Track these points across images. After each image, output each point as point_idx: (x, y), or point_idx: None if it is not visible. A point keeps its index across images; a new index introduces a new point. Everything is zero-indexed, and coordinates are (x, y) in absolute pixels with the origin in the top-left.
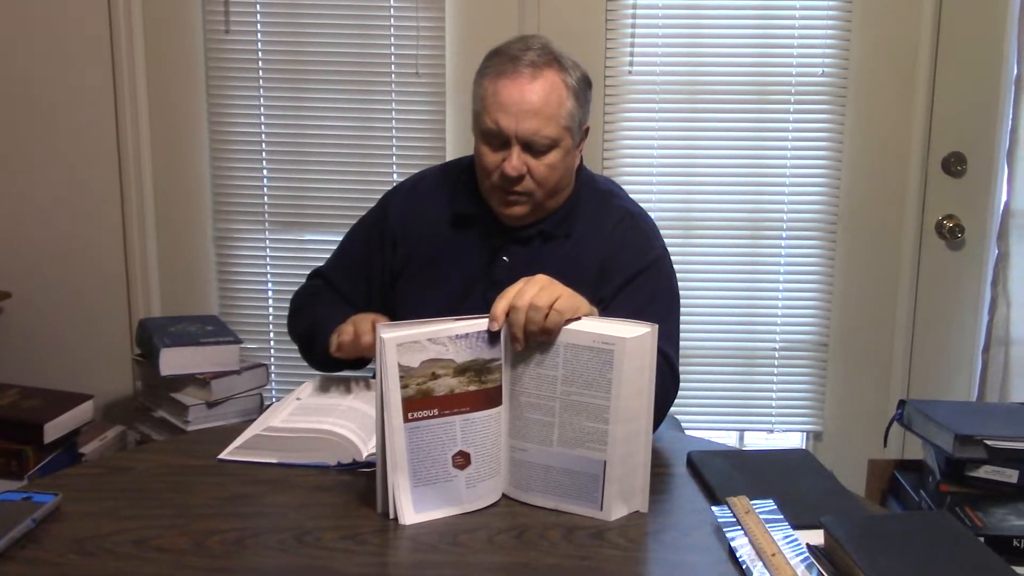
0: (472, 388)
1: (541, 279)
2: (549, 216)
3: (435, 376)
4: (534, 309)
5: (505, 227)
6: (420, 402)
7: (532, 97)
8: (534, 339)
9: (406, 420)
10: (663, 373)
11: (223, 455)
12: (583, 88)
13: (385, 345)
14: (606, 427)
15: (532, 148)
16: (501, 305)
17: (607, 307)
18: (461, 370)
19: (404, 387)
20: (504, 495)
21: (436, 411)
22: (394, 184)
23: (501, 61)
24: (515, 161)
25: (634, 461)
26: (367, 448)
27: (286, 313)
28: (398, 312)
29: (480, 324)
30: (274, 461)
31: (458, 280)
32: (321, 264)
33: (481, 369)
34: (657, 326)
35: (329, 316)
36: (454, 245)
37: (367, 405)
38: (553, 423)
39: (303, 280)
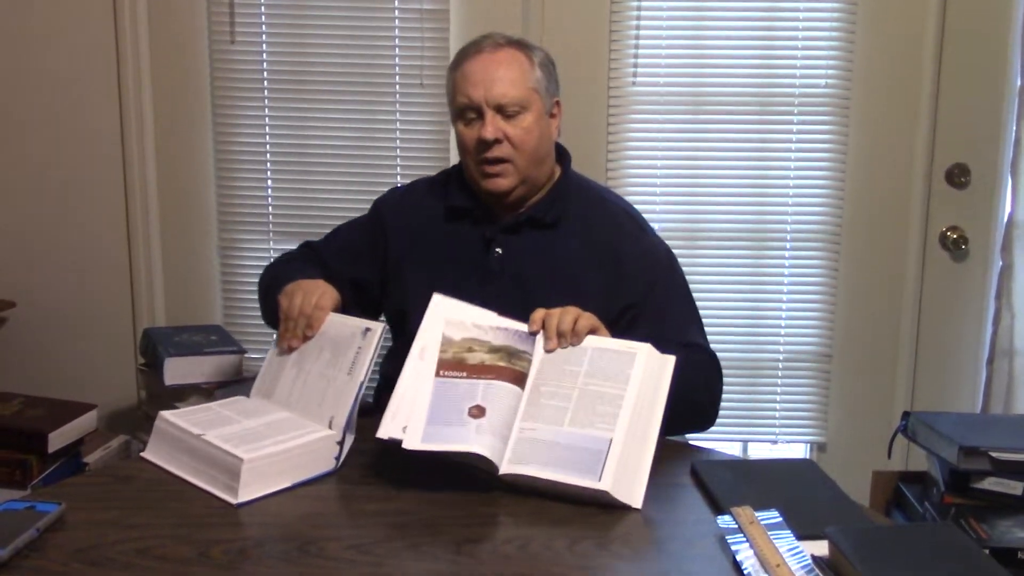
0: (501, 364)
1: (573, 309)
2: (536, 204)
3: (471, 350)
4: (566, 313)
5: (495, 218)
6: (453, 364)
7: (496, 67)
8: (564, 341)
9: (437, 375)
10: (708, 367)
11: (244, 499)
12: (546, 63)
13: (439, 307)
14: (618, 411)
15: (504, 112)
16: (540, 312)
17: (639, 311)
18: (495, 350)
19: (442, 352)
20: (502, 478)
21: (465, 374)
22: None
23: (462, 54)
24: (489, 125)
25: (639, 452)
26: (327, 428)
27: None
28: (403, 304)
29: (520, 326)
30: (288, 484)
31: (453, 272)
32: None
33: (513, 353)
34: (674, 358)
35: (291, 272)
36: (448, 238)
37: (273, 414)
38: (568, 408)
39: None
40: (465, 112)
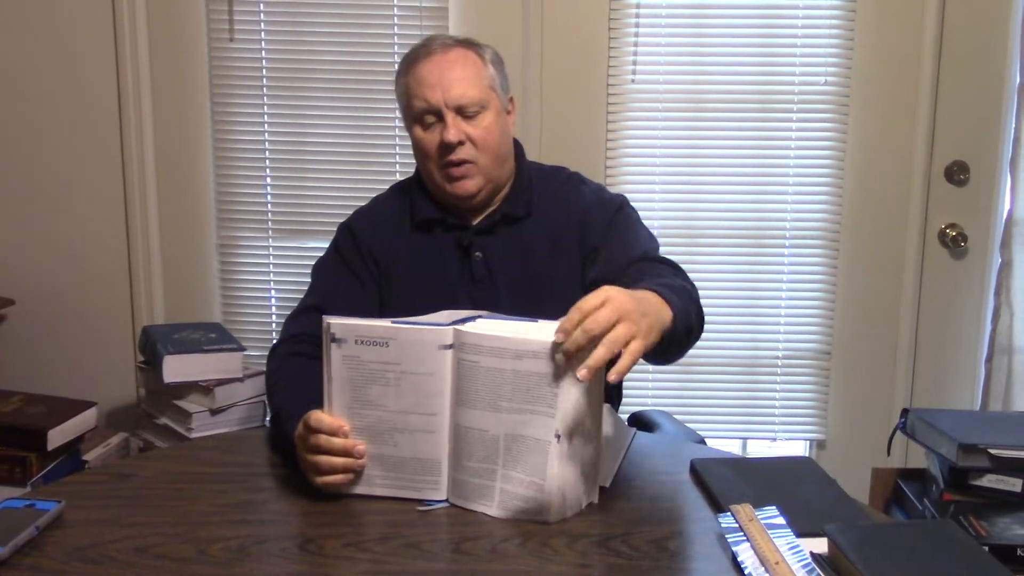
0: None
1: (608, 307)
2: (505, 200)
3: None
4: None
5: (469, 224)
6: None
7: (451, 67)
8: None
9: None
10: (686, 289)
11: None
12: (497, 60)
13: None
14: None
15: (464, 113)
16: (576, 315)
17: (599, 253)
18: None
19: None
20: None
21: None
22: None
23: (412, 56)
24: (451, 128)
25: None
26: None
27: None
28: None
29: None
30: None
31: (439, 288)
32: (295, 314)
33: None
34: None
35: (292, 401)
36: (425, 255)
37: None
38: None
39: (306, 288)
40: (423, 116)
